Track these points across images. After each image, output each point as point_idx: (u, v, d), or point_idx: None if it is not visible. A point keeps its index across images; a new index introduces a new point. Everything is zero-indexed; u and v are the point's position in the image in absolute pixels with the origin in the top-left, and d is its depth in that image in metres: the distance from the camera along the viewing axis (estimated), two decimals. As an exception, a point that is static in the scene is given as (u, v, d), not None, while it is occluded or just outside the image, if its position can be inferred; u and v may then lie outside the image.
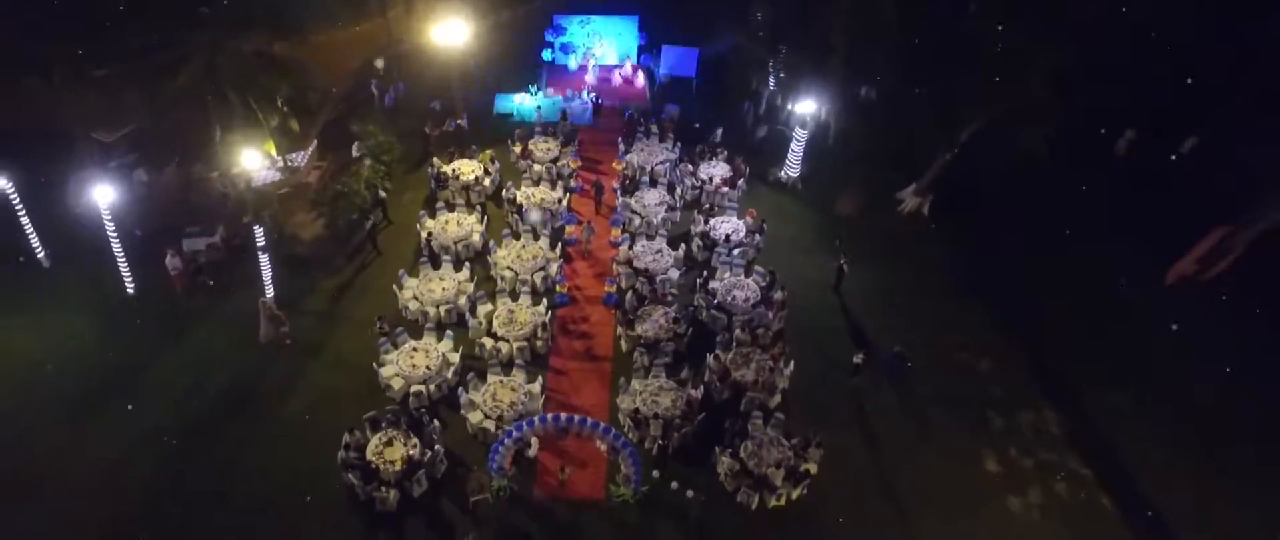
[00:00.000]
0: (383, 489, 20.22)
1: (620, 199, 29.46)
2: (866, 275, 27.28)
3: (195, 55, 25.93)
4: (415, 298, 25.13)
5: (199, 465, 21.22)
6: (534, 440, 21.46)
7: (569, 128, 32.78)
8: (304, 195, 29.23)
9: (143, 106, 28.23)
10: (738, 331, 24.44)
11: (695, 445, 21.99)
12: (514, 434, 20.69)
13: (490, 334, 24.16)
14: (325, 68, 33.39)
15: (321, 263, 27.25)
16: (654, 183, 30.20)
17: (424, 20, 33.09)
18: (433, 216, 28.08)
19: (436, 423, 21.78)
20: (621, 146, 31.67)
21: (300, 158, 30.30)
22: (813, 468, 21.05)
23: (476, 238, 27.63)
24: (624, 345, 24.68)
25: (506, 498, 20.64)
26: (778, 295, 25.58)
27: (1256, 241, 26.18)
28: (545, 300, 25.60)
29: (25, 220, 25.46)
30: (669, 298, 25.63)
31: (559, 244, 27.55)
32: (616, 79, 36.40)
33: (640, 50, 36.94)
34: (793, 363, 23.56)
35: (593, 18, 36.21)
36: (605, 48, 36.67)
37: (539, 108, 33.43)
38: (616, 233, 28.16)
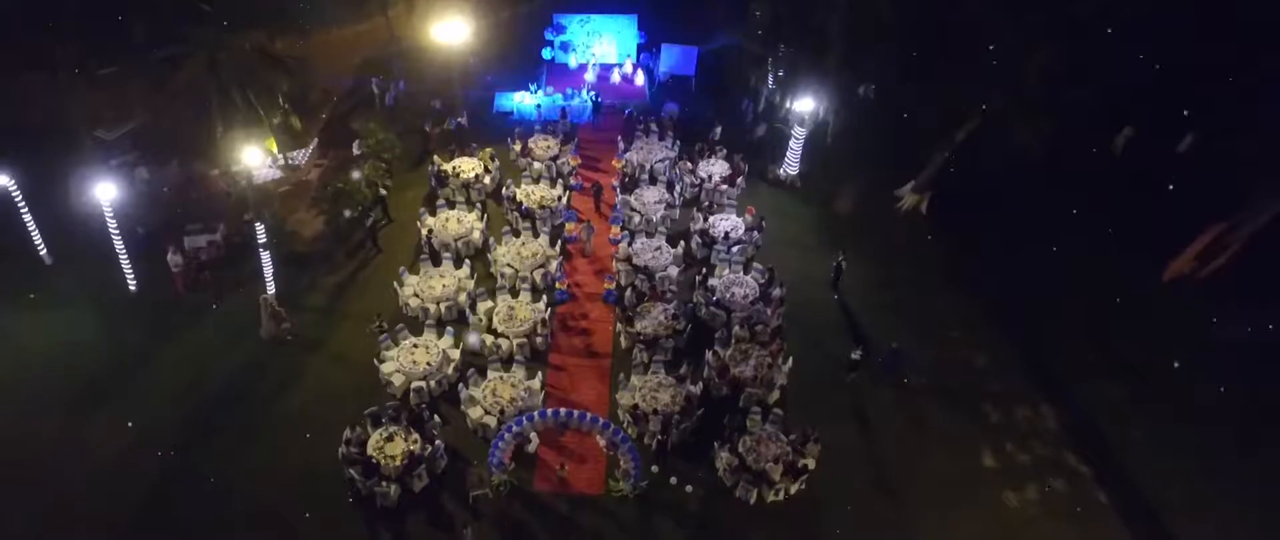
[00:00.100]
0: (384, 484, 20.37)
1: (620, 197, 29.59)
2: (865, 272, 27.42)
3: (197, 52, 26.10)
4: (416, 295, 25.27)
5: (200, 461, 21.34)
6: (534, 435, 21.61)
7: (569, 125, 32.91)
8: (305, 193, 29.38)
9: (145, 103, 28.35)
10: (736, 328, 24.55)
11: (694, 441, 22.11)
12: (514, 429, 20.84)
13: (490, 330, 24.29)
14: (326, 65, 33.62)
15: (322, 260, 27.37)
16: (653, 180, 30.32)
17: (424, 19, 33.20)
18: (433, 214, 28.22)
19: (437, 418, 21.92)
20: (621, 144, 31.80)
21: (301, 155, 30.44)
22: (811, 463, 21.16)
23: (476, 235, 27.76)
24: (623, 342, 24.79)
25: (506, 493, 20.77)
26: (776, 292, 25.70)
27: (1253, 237, 26.24)
28: (545, 297, 25.74)
29: (27, 217, 25.52)
30: (668, 295, 25.76)
31: (559, 242, 27.69)
32: (616, 77, 36.53)
33: (640, 49, 37.04)
34: (791, 359, 23.68)
35: (593, 16, 36.29)
36: (605, 46, 36.78)
37: (539, 106, 33.56)
38: (616, 230, 28.28)
